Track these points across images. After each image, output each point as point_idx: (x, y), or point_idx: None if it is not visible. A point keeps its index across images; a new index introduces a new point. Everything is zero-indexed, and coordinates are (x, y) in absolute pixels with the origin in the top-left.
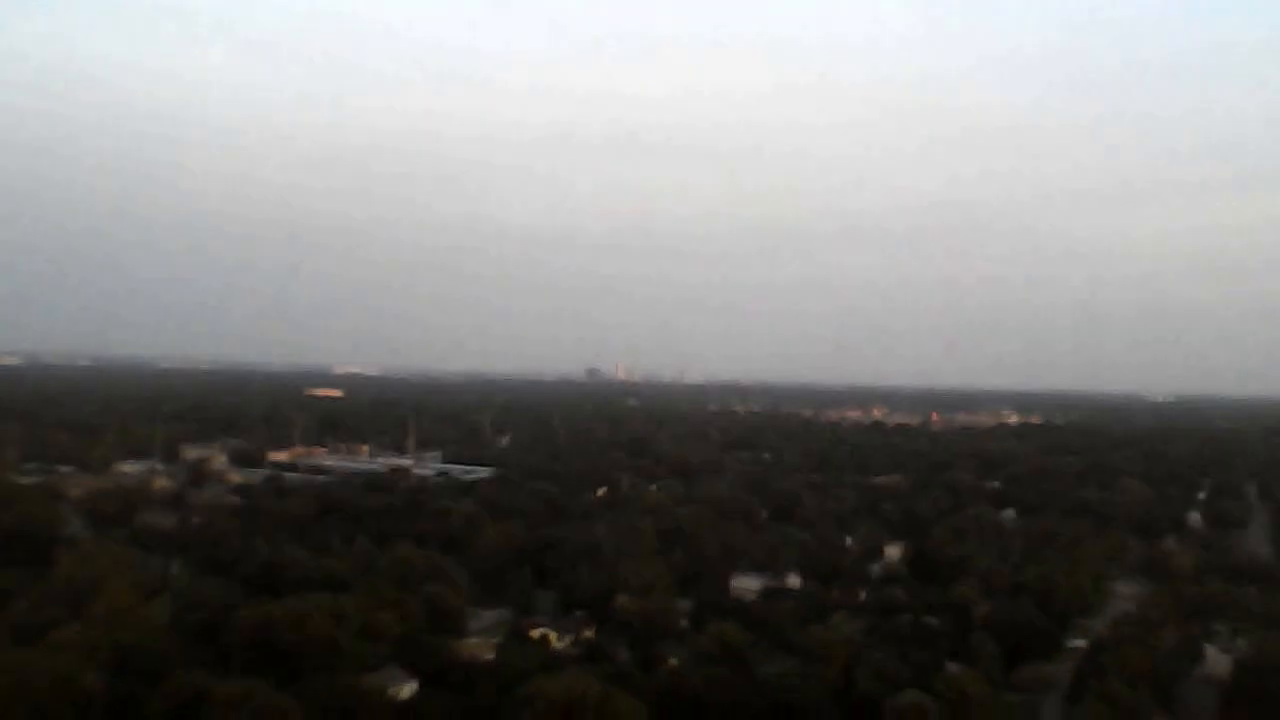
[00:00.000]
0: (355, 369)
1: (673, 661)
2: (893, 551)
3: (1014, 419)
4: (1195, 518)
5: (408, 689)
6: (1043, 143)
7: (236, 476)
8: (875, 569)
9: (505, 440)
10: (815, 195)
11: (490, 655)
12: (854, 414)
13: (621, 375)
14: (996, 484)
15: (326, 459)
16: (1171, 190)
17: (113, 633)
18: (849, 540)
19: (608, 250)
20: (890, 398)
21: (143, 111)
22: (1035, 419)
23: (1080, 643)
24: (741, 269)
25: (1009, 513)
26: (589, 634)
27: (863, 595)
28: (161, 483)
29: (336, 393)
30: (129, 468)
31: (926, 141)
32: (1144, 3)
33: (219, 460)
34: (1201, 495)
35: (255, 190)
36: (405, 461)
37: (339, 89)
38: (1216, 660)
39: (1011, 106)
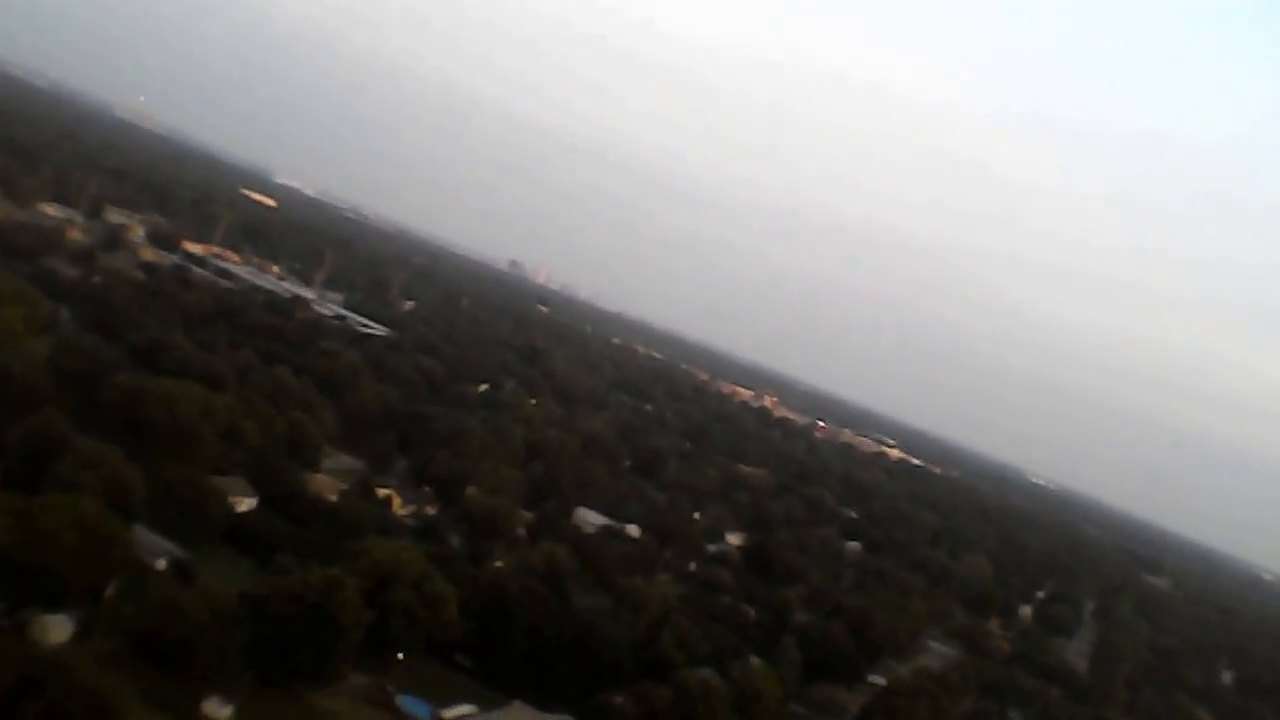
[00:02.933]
0: (295, 183)
1: (499, 564)
2: (734, 540)
3: (895, 453)
4: (1027, 612)
5: (248, 503)
6: (1031, 209)
7: (148, 254)
8: (713, 548)
9: (409, 305)
10: (796, 180)
11: (334, 498)
12: (746, 394)
13: (541, 278)
14: (853, 514)
15: (236, 266)
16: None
17: None
18: (698, 515)
19: (567, 152)
20: (785, 388)
21: None
22: (915, 460)
23: (880, 680)
24: (694, 217)
25: (855, 545)
26: (431, 511)
27: (693, 566)
28: (77, 236)
29: (270, 201)
30: (51, 210)
31: (917, 163)
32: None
33: (137, 232)
34: (1041, 594)
35: None
36: (307, 293)
37: None
38: None
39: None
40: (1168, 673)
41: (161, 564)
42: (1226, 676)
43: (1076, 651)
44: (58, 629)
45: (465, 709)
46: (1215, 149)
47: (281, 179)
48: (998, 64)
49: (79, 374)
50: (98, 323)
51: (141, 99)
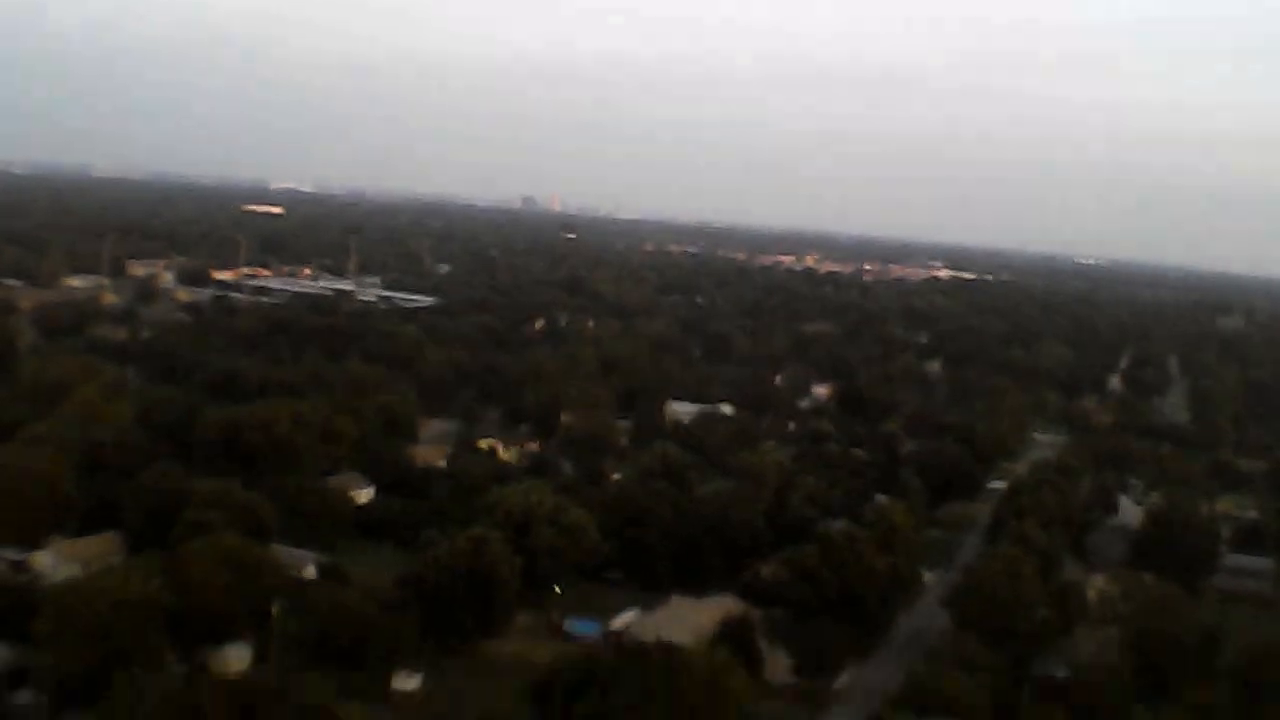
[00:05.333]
0: (291, 185)
1: (616, 477)
2: (821, 390)
3: (945, 273)
4: (1116, 382)
5: (367, 493)
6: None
7: (184, 295)
8: (804, 404)
9: (444, 269)
10: (765, 35)
11: (442, 463)
12: (787, 260)
13: (556, 206)
14: (924, 339)
15: (270, 280)
16: (1146, 59)
17: (83, 431)
18: (779, 378)
19: (546, 79)
20: (824, 244)
21: None
22: (966, 275)
23: (1000, 485)
24: (682, 107)
25: (935, 365)
26: (534, 447)
27: (792, 425)
28: (110, 298)
29: (276, 209)
30: (77, 282)
31: None
32: None
33: (165, 278)
34: (1123, 363)
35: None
36: (347, 286)
37: None
38: (1129, 510)
39: None
40: (1266, 404)
41: (311, 572)
42: None
43: (1174, 406)
44: (237, 659)
45: (630, 616)
46: None
47: (277, 185)
48: None
49: (168, 425)
50: (164, 373)
51: None
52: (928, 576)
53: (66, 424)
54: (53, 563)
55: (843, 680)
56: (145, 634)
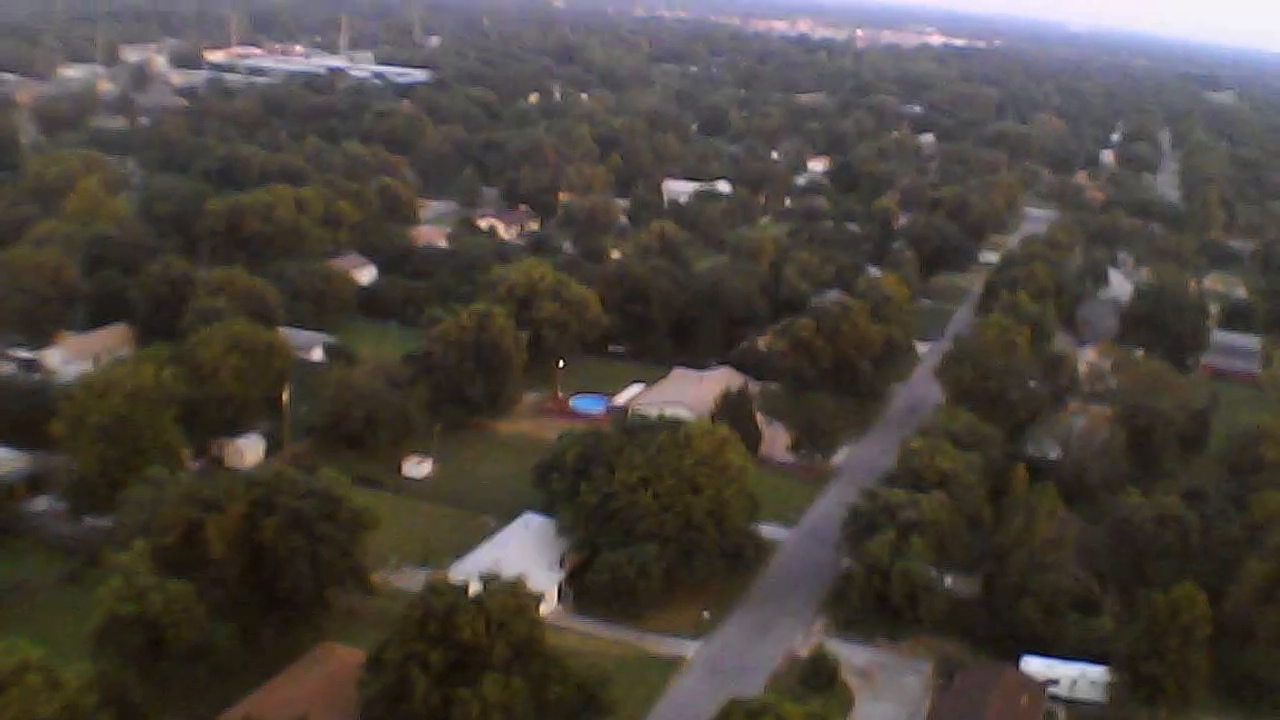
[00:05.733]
0: None
1: (615, 254)
2: (816, 165)
3: (937, 39)
4: (1108, 157)
5: (368, 274)
6: None
7: (178, 78)
8: (800, 180)
9: (435, 41)
10: None
11: (444, 243)
12: (780, 25)
13: None
14: (918, 109)
15: (263, 60)
16: None
17: (87, 226)
18: (775, 154)
19: None
20: (816, 8)
21: None
22: (958, 41)
23: (992, 258)
24: None
25: (928, 137)
26: (534, 226)
27: (788, 202)
28: (106, 86)
29: None
30: (72, 72)
31: None
32: None
33: (159, 62)
34: (1116, 137)
35: None
36: (340, 63)
37: None
38: (1120, 284)
39: None
40: (1256, 184)
41: (318, 354)
42: None
43: (1166, 184)
44: (251, 450)
45: (633, 390)
46: None
47: None
48: None
49: (170, 215)
50: (163, 162)
51: None
52: (922, 349)
53: (71, 220)
54: (63, 359)
55: (840, 454)
56: (159, 428)
